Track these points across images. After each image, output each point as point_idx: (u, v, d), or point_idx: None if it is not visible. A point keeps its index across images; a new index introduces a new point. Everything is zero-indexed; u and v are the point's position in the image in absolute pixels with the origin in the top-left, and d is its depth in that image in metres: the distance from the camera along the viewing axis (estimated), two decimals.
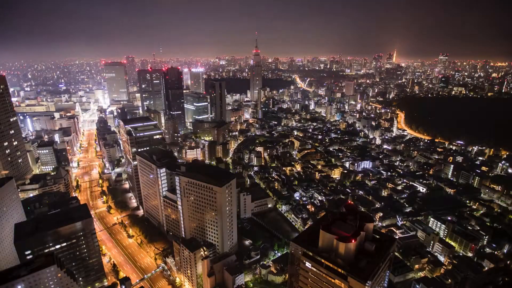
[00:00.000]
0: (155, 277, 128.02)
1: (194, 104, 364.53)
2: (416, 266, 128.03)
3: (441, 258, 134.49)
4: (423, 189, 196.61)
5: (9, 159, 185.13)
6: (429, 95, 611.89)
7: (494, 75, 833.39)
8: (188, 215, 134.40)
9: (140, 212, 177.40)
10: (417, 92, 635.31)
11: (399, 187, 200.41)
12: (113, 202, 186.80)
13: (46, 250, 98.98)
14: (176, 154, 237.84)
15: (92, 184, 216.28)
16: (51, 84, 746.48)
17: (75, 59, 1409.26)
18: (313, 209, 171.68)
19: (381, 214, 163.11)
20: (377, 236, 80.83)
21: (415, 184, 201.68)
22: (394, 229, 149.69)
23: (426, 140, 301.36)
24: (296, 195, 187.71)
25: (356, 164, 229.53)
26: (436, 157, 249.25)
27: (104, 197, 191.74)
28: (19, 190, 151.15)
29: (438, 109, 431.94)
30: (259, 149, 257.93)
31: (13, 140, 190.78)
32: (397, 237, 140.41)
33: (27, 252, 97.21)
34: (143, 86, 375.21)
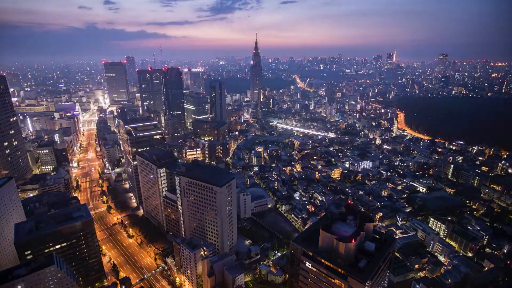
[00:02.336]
0: (155, 277, 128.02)
1: (194, 104, 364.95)
2: (416, 266, 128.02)
3: (441, 258, 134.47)
4: (423, 189, 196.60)
5: (9, 159, 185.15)
6: (429, 95, 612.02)
7: (494, 75, 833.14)
8: (188, 215, 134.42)
9: (140, 212, 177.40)
10: (417, 92, 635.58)
11: (399, 187, 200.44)
12: (113, 202, 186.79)
13: (46, 250, 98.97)
14: (176, 154, 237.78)
15: (92, 184, 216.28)
16: (51, 84, 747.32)
17: (75, 58, 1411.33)
18: (313, 209, 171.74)
19: (381, 214, 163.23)
20: (377, 236, 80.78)
21: (415, 184, 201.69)
22: (394, 229, 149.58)
23: (426, 140, 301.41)
24: (296, 195, 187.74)
25: (356, 164, 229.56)
26: (436, 157, 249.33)
27: (104, 197, 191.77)
28: (19, 190, 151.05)
29: (438, 109, 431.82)
30: (259, 149, 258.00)
31: (13, 140, 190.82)
32: (397, 237, 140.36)
33: (27, 252, 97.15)
34: (143, 86, 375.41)
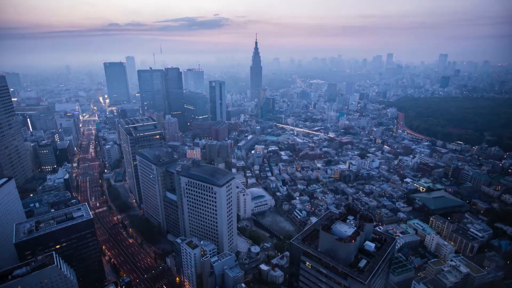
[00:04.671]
0: (155, 277, 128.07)
1: (194, 104, 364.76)
2: (416, 266, 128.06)
3: (441, 258, 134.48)
4: (423, 189, 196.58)
5: (9, 159, 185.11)
6: (429, 95, 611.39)
7: (494, 75, 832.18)
8: (188, 215, 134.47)
9: (140, 212, 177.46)
10: (417, 92, 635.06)
11: (399, 187, 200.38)
12: (113, 202, 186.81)
13: (46, 250, 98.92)
14: (176, 154, 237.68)
15: (92, 184, 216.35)
16: (52, 83, 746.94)
17: (76, 58, 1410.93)
18: (313, 209, 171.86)
19: (381, 214, 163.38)
20: (377, 236, 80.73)
21: (415, 184, 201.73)
22: (394, 229, 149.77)
23: (426, 140, 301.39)
24: (296, 195, 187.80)
25: (356, 164, 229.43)
26: (436, 157, 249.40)
27: (104, 197, 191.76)
28: (19, 190, 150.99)
29: (438, 109, 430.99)
30: (259, 149, 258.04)
31: (13, 140, 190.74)
32: (397, 237, 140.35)
33: (27, 252, 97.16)
34: (143, 86, 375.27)
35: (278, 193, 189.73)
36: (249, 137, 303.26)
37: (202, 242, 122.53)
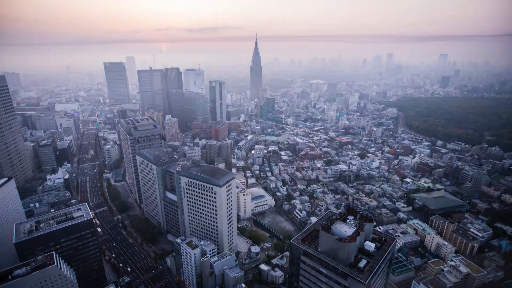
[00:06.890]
0: (155, 277, 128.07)
1: (194, 104, 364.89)
2: (416, 266, 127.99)
3: (441, 258, 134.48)
4: (423, 189, 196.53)
5: (9, 159, 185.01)
6: (429, 95, 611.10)
7: (494, 75, 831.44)
8: (188, 215, 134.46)
9: (140, 212, 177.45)
10: (417, 92, 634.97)
11: (399, 187, 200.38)
12: (113, 202, 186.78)
13: (46, 250, 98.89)
14: (176, 154, 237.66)
15: (92, 184, 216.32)
16: (52, 84, 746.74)
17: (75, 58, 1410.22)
18: (313, 208, 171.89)
19: (381, 214, 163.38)
20: (377, 236, 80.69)
21: (415, 184, 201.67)
22: (394, 229, 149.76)
23: (426, 140, 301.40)
24: (296, 195, 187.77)
25: (356, 164, 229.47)
26: (436, 157, 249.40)
27: (104, 197, 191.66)
28: (18, 190, 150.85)
29: (438, 109, 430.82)
30: (259, 149, 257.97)
31: (13, 140, 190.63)
32: (397, 237, 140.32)
33: (27, 252, 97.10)
34: (143, 86, 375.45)
35: (278, 193, 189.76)
36: (249, 137, 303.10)
37: (202, 242, 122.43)
